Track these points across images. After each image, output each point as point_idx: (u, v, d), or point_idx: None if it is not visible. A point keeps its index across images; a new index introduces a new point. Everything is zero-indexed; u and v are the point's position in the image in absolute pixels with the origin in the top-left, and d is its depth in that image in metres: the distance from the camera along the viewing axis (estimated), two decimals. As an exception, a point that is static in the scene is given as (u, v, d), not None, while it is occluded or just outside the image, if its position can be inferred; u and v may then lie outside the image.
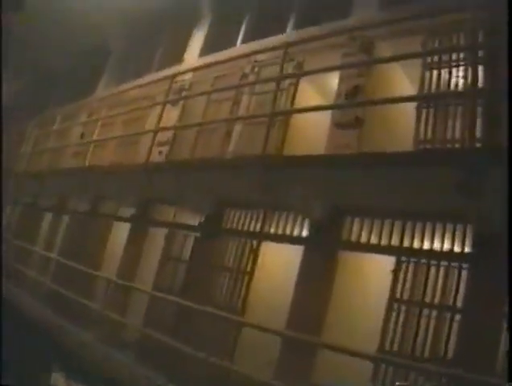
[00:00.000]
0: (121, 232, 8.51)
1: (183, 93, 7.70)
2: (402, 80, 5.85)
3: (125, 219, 8.22)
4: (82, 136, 10.62)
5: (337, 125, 5.16)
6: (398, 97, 4.81)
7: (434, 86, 4.80)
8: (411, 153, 4.49)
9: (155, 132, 6.52)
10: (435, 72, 4.80)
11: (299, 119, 5.94)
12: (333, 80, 6.48)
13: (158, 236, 7.46)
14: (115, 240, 8.67)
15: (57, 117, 10.72)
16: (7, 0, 8.84)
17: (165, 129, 6.77)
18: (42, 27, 11.14)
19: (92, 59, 12.06)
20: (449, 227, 4.38)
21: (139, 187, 6.89)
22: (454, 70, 4.70)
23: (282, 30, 6.84)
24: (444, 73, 4.75)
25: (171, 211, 7.35)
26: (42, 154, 11.37)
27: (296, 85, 5.81)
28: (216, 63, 6.51)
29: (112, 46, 11.50)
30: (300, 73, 5.43)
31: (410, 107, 4.86)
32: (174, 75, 6.91)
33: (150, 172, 6.07)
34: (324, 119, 5.57)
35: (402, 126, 5.11)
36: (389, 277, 4.68)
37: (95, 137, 9.68)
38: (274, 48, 5.65)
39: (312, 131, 5.82)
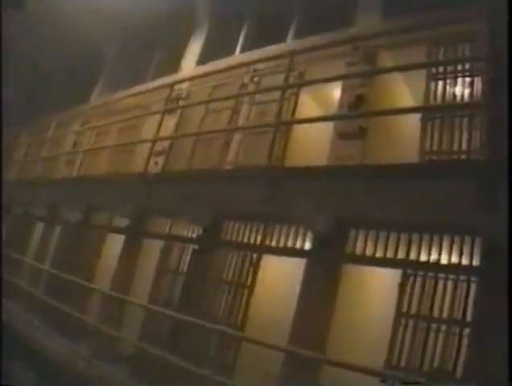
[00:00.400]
0: (115, 243, 8.36)
1: (181, 102, 7.59)
2: (404, 90, 5.82)
3: (120, 230, 8.07)
4: (75, 145, 10.50)
5: (340, 135, 5.07)
6: (403, 108, 4.78)
7: (439, 97, 4.74)
8: (418, 165, 4.42)
9: (154, 141, 6.37)
10: (440, 83, 4.74)
11: (299, 129, 5.86)
12: (332, 91, 6.45)
13: (154, 247, 7.31)
14: (109, 251, 8.50)
15: (52, 124, 10.50)
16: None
17: (164, 138, 6.63)
18: (37, 32, 10.91)
19: (86, 65, 11.91)
20: (457, 239, 4.30)
21: (135, 198, 6.73)
22: (460, 80, 4.64)
23: (283, 39, 6.78)
24: (450, 84, 4.69)
25: (167, 222, 7.22)
26: (35, 162, 11.18)
27: (297, 95, 5.73)
28: (215, 72, 6.40)
29: (107, 53, 11.36)
30: (304, 82, 5.34)
31: (415, 117, 4.81)
32: (173, 84, 6.77)
33: (148, 182, 5.92)
34: (325, 129, 5.49)
35: (406, 137, 5.04)
36: (394, 291, 4.58)
37: (89, 146, 9.51)
38: (276, 57, 5.56)
39: (313, 142, 5.74)
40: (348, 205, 4.66)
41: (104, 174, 8.63)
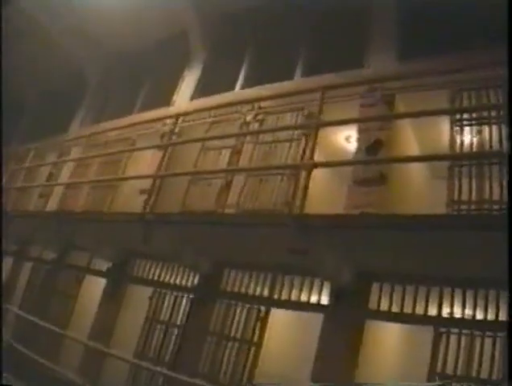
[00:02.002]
0: (94, 286, 7.70)
1: (173, 138, 7.13)
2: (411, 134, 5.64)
3: (103, 274, 7.42)
4: (50, 176, 9.84)
5: (359, 181, 4.76)
6: (427, 155, 4.53)
7: (466, 144, 4.54)
8: (449, 216, 4.15)
9: (155, 178, 5.85)
10: (465, 129, 4.56)
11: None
12: (336, 134, 6.21)
13: (141, 294, 6.70)
14: (88, 295, 7.81)
15: (30, 152, 9.72)
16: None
17: (161, 176, 6.09)
18: (14, 49, 10.04)
19: (67, 91, 11.25)
20: (492, 293, 4.02)
21: (129, 239, 6.16)
22: (486, 127, 4.47)
23: (288, 76, 6.48)
24: (475, 130, 4.52)
25: (156, 266, 6.67)
26: (7, 192, 10.31)
27: (307, 136, 5.40)
28: (215, 107, 6.03)
29: (90, 79, 10.76)
30: (325, 123, 4.89)
31: (437, 164, 4.59)
32: (167, 117, 6.27)
33: (146, 223, 5.35)
34: (337, 174, 5.19)
35: (428, 185, 4.80)
36: (424, 348, 4.23)
37: (70, 179, 8.88)
38: (288, 94, 5.25)
39: (325, 187, 5.41)
40: (371, 257, 4.33)
41: (88, 210, 8.00)
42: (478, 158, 4.61)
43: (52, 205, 9.49)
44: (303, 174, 4.99)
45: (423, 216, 4.03)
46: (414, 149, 5.69)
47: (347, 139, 6.41)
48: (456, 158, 4.72)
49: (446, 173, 4.46)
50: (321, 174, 6.00)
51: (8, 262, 9.92)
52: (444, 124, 5.22)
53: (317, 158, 6.27)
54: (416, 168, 5.22)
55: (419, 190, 5.11)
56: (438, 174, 4.83)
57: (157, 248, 5.73)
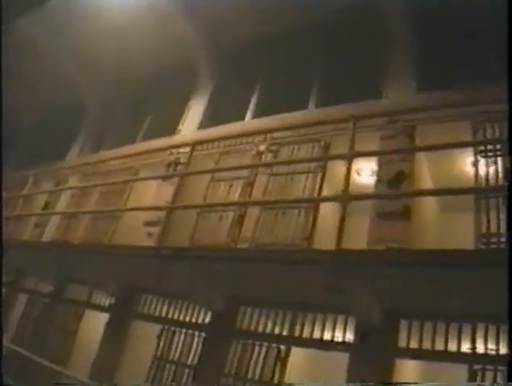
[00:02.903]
0: (94, 322, 7.37)
1: (179, 168, 6.97)
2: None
3: (106, 309, 7.11)
4: (46, 206, 9.57)
5: (382, 215, 4.64)
6: (451, 189, 4.38)
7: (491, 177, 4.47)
8: (481, 251, 4.04)
9: (170, 210, 5.62)
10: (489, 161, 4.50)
11: (326, 205, 5.39)
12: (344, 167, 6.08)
13: (147, 331, 6.40)
14: (87, 332, 7.47)
15: (29, 180, 9.45)
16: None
17: (174, 208, 5.86)
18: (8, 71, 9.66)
19: (64, 117, 11.02)
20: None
21: (131, 272, 5.91)
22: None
23: (300, 107, 6.40)
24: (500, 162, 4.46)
25: (163, 302, 6.39)
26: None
27: (325, 168, 5.31)
28: (227, 137, 5.90)
29: (90, 106, 10.56)
30: (355, 153, 4.67)
31: (465, 197, 4.48)
32: (193, 145, 5.89)
33: (163, 258, 5.10)
34: (356, 207, 5.06)
35: (454, 218, 4.70)
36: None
37: (69, 208, 8.62)
38: (314, 124, 5.17)
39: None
40: (400, 293, 4.16)
41: (88, 241, 7.74)
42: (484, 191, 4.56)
43: (48, 235, 9.23)
44: (342, 207, 4.81)
45: (457, 251, 3.91)
46: (429, 180, 5.62)
47: (358, 172, 6.32)
48: (478, 191, 4.65)
49: (473, 205, 4.37)
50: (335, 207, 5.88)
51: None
52: (462, 155, 5.20)
53: (327, 191, 6.20)
54: (436, 200, 5.13)
55: (443, 224, 5.01)
56: (462, 206, 4.73)
57: (170, 284, 5.47)
